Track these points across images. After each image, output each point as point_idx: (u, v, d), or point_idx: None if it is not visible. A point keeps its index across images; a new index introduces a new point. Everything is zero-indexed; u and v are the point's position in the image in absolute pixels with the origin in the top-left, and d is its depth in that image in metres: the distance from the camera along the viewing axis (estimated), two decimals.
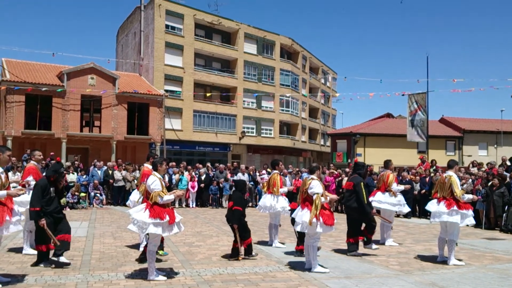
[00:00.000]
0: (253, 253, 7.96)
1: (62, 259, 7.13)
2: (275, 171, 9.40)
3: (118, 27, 44.27)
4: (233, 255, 7.75)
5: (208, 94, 35.71)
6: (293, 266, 7.35)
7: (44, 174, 7.59)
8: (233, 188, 9.27)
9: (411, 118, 23.81)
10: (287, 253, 8.49)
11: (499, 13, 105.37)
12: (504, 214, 12.69)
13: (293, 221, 8.27)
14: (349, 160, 37.67)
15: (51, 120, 27.64)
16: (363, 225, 8.85)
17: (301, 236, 8.20)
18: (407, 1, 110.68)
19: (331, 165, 21.97)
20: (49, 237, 6.93)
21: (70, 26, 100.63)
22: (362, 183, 8.48)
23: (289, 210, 8.98)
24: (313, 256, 7.05)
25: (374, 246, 9.15)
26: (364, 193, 8.38)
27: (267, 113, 41.91)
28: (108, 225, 12.10)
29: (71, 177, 16.75)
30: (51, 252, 7.17)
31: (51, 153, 19.95)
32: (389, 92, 66.17)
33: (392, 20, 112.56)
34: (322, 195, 7.05)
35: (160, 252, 7.72)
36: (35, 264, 7.02)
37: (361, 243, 8.87)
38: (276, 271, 7.04)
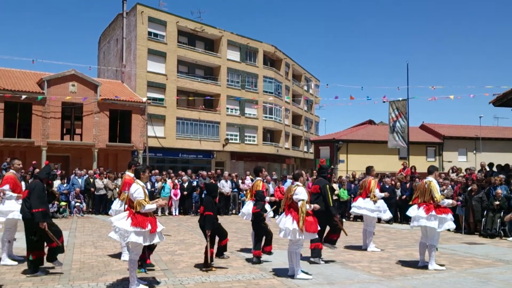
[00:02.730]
0: (225, 255, 7.87)
1: (57, 263, 7.21)
2: (258, 178, 9.41)
3: (100, 34, 43.92)
4: (206, 264, 7.58)
5: (190, 98, 35.54)
6: (276, 273, 7.35)
7: (37, 177, 7.53)
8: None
9: (392, 125, 24.09)
10: (270, 260, 8.47)
11: (476, 20, 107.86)
12: (483, 219, 12.91)
13: (253, 224, 8.35)
14: (332, 167, 37.88)
15: (31, 128, 27.20)
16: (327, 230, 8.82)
17: (259, 240, 8.23)
18: (388, 9, 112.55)
19: (314, 171, 22.05)
20: (51, 238, 6.93)
21: (50, 33, 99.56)
22: (327, 186, 8.51)
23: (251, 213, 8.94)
24: (296, 262, 7.07)
25: (334, 247, 9.08)
26: (329, 195, 8.39)
27: (251, 120, 41.97)
28: (89, 234, 11.92)
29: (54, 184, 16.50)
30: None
31: (33, 162, 19.57)
32: (370, 99, 66.85)
33: (373, 27, 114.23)
34: (306, 202, 7.10)
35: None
36: (32, 272, 6.91)
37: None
38: (259, 278, 7.03)
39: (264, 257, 8.50)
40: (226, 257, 7.94)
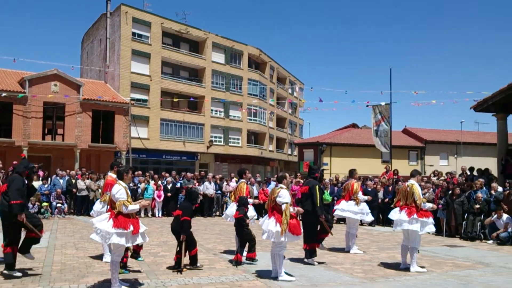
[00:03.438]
0: (198, 264, 7.75)
1: (30, 256, 7.13)
2: (242, 180, 9.40)
3: (83, 34, 43.45)
4: (176, 266, 7.54)
5: (175, 100, 35.39)
6: (259, 274, 7.34)
7: (15, 171, 7.37)
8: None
9: (375, 129, 24.30)
10: (253, 262, 8.45)
11: (460, 25, 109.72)
12: (464, 222, 13.10)
13: (237, 230, 8.38)
14: (323, 168, 38.06)
15: (11, 128, 26.74)
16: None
17: (242, 245, 8.28)
18: (372, 13, 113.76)
19: (298, 174, 22.15)
20: (30, 230, 6.85)
21: (32, 32, 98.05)
22: (317, 186, 8.56)
23: (253, 218, 9.01)
24: (279, 264, 7.08)
25: (324, 247, 9.15)
26: (318, 195, 8.42)
27: (235, 122, 41.95)
28: (70, 236, 11.76)
29: (35, 184, 16.20)
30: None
31: (14, 162, 19.18)
32: (353, 103, 67.49)
33: (357, 31, 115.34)
34: (290, 205, 7.11)
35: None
36: (8, 268, 6.75)
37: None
38: (243, 280, 7.01)
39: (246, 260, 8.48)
40: (200, 266, 7.81)
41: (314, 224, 8.59)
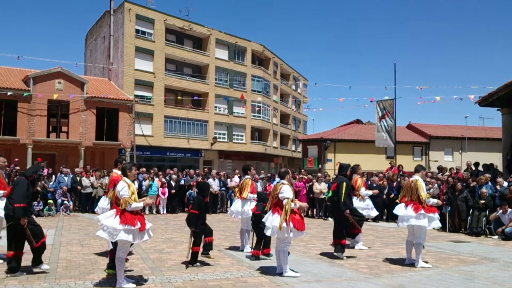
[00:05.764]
0: (210, 253, 7.85)
1: (44, 266, 7.09)
2: (247, 176, 9.41)
3: (87, 31, 43.48)
4: (192, 261, 7.67)
5: (178, 98, 35.38)
6: (264, 271, 7.35)
7: (23, 174, 7.39)
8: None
9: (379, 124, 24.25)
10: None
11: (464, 20, 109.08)
12: (468, 218, 13.05)
13: (253, 225, 8.46)
14: (320, 166, 38.09)
15: (16, 125, 26.84)
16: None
17: (259, 241, 8.31)
18: (376, 9, 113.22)
19: (302, 170, 22.12)
20: (28, 238, 6.78)
21: (36, 30, 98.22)
22: (344, 183, 8.73)
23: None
24: (284, 260, 7.08)
25: (360, 245, 9.32)
26: (343, 191, 8.61)
27: (239, 119, 41.92)
28: (75, 233, 11.81)
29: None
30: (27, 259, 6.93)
31: (16, 160, 19.33)
32: (357, 99, 67.32)
33: (361, 27, 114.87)
34: (292, 201, 7.09)
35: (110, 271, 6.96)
36: (11, 271, 6.75)
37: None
38: (248, 276, 7.03)
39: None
40: (211, 257, 7.88)
41: (344, 220, 8.69)
